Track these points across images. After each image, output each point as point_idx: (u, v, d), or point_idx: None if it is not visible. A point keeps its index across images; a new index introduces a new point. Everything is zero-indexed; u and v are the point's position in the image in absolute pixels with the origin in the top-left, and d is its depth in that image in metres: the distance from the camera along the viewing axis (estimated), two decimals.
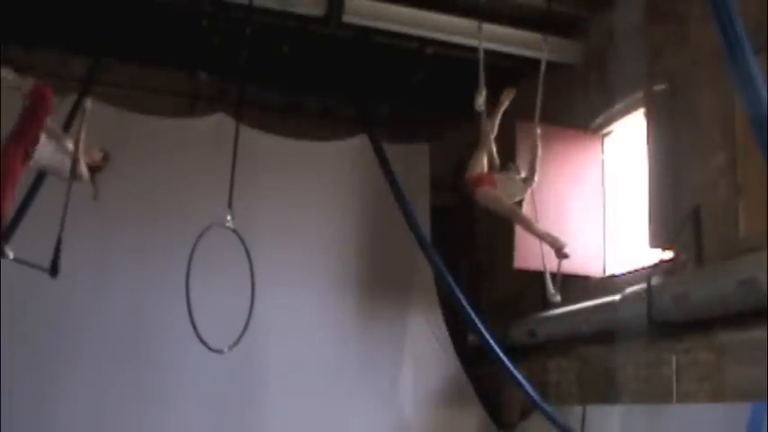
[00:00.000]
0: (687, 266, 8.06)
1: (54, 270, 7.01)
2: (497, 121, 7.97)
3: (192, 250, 7.17)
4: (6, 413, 8.77)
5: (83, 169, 6.93)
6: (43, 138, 6.64)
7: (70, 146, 6.88)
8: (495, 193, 7.62)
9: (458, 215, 12.01)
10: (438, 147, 11.97)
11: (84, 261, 9.93)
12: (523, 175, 8.02)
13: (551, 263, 7.82)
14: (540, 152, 7.87)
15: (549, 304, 8.53)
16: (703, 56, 8.00)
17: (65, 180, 7.01)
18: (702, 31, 7.77)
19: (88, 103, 7.11)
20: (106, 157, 7.29)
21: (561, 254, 7.58)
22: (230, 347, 7.32)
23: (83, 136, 6.91)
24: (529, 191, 8.07)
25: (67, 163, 6.85)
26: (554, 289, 7.75)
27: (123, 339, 9.82)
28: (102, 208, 9.98)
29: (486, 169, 7.70)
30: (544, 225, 8.00)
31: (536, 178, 7.96)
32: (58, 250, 6.97)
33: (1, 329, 8.97)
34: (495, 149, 7.88)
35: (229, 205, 7.48)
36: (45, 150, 6.70)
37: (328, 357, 10.66)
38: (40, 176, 8.42)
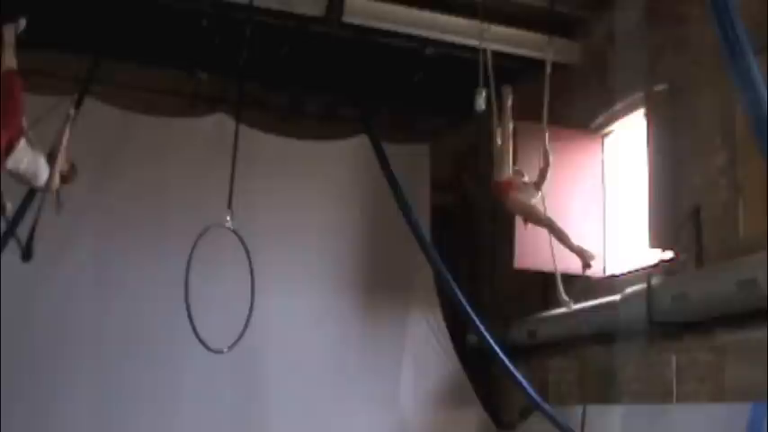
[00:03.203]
0: (687, 266, 8.06)
1: (28, 254, 7.01)
2: (510, 122, 7.86)
3: (192, 251, 7.16)
4: (6, 414, 8.76)
5: (56, 179, 6.77)
6: (23, 143, 6.56)
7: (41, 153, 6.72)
8: (526, 200, 7.58)
9: (458, 215, 12.02)
10: (438, 147, 11.97)
11: (84, 261, 9.97)
12: (527, 178, 7.95)
13: (558, 262, 7.78)
14: (551, 158, 7.78)
15: (559, 305, 8.50)
16: (703, 56, 8.00)
17: (37, 188, 6.88)
18: (702, 31, 7.77)
19: (72, 111, 7.01)
20: (74, 169, 7.06)
21: (587, 266, 7.53)
22: (230, 348, 7.32)
23: (65, 144, 6.77)
24: (539, 196, 8.00)
25: (42, 172, 6.68)
26: (566, 300, 7.69)
27: (123, 340, 9.82)
28: (102, 208, 10.05)
29: (511, 174, 7.66)
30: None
31: (544, 185, 7.87)
32: (30, 238, 6.95)
33: (2, 330, 8.96)
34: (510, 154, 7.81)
35: (229, 205, 7.47)
36: (24, 156, 6.61)
37: (328, 357, 10.66)
38: None
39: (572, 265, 8.61)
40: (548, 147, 7.80)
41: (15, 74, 6.49)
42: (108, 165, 10.17)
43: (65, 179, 6.96)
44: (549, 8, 8.79)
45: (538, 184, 7.78)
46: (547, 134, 7.84)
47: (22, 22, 6.67)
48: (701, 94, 8.12)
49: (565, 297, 7.60)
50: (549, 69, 8.05)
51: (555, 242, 7.74)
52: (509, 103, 7.87)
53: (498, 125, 7.81)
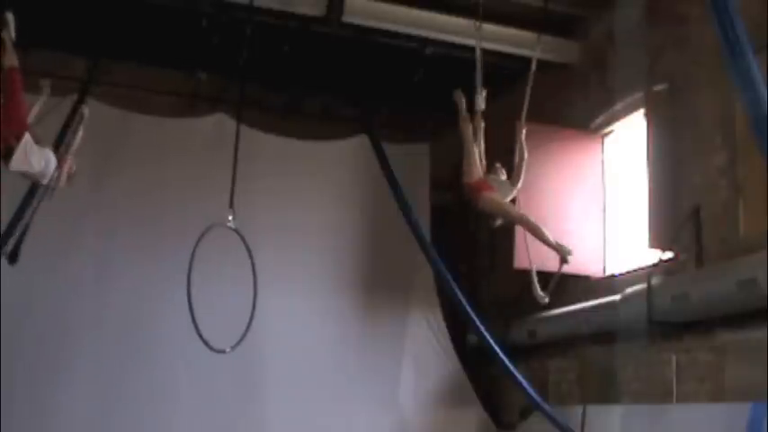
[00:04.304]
0: (687, 266, 8.06)
1: (14, 258, 7.06)
2: (467, 123, 7.80)
3: (194, 250, 7.16)
4: (6, 413, 8.77)
5: (64, 177, 6.86)
6: (27, 141, 6.62)
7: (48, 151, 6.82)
8: (499, 199, 7.53)
9: (458, 215, 12.00)
10: (438, 147, 11.97)
11: (85, 261, 9.97)
12: (504, 176, 7.86)
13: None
14: (525, 154, 7.73)
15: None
16: (703, 56, 8.00)
17: (42, 184, 6.92)
18: (702, 31, 7.77)
19: (86, 111, 7.07)
20: (75, 173, 7.14)
21: (564, 261, 7.48)
22: (233, 347, 7.31)
23: (77, 143, 6.88)
24: (515, 192, 7.92)
25: (51, 169, 6.73)
26: (542, 290, 7.65)
27: (124, 339, 9.82)
28: (103, 208, 10.06)
29: (482, 173, 7.61)
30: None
31: (521, 180, 7.80)
32: (20, 241, 6.99)
33: (2, 329, 8.96)
34: (482, 151, 7.73)
35: (230, 205, 7.47)
36: (32, 155, 6.67)
37: (329, 357, 10.66)
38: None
39: (570, 264, 8.59)
40: (523, 142, 7.71)
41: (17, 71, 6.54)
42: (108, 164, 10.17)
43: (69, 178, 7.03)
44: (544, 7, 8.74)
45: (514, 181, 7.72)
46: (524, 130, 7.75)
47: (11, 18, 6.69)
48: (701, 94, 8.12)
49: (540, 292, 7.58)
50: (533, 67, 8.00)
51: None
52: (463, 106, 7.77)
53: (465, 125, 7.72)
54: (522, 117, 7.84)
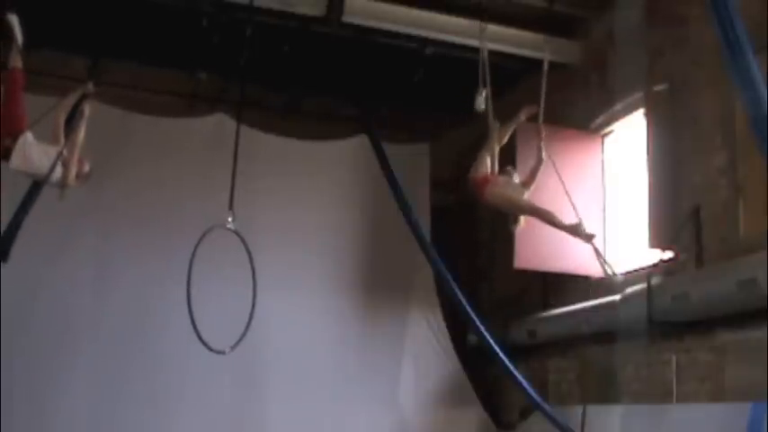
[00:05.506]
0: (687, 266, 8.06)
1: (4, 255, 7.12)
2: (508, 134, 7.84)
3: (194, 252, 7.16)
4: (6, 413, 8.77)
5: (72, 176, 6.94)
6: (31, 137, 6.67)
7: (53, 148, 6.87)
8: (505, 190, 7.49)
9: (458, 215, 12.01)
10: (438, 147, 11.98)
11: (84, 261, 9.97)
12: (517, 179, 7.85)
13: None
14: (544, 156, 7.74)
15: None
16: (703, 56, 8.01)
17: (49, 184, 7.00)
18: (702, 31, 7.77)
19: (87, 108, 7.11)
20: (89, 174, 7.26)
21: (588, 237, 7.36)
22: (232, 348, 7.31)
23: (80, 141, 6.93)
24: (525, 196, 7.92)
25: (57, 168, 6.84)
26: (610, 269, 7.49)
27: (124, 339, 9.82)
28: (102, 208, 10.05)
29: (489, 171, 7.61)
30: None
31: (534, 183, 7.80)
32: (10, 239, 7.02)
33: (2, 329, 8.96)
34: (497, 154, 7.75)
35: (230, 206, 7.47)
36: (33, 153, 6.72)
37: (328, 357, 10.67)
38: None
39: (572, 264, 8.61)
40: (542, 146, 7.74)
41: (20, 72, 6.71)
42: (108, 164, 10.10)
43: (80, 179, 7.12)
44: (549, 8, 8.77)
45: (527, 183, 7.71)
46: (543, 134, 7.79)
47: (16, 20, 6.78)
48: (701, 94, 8.12)
49: (609, 271, 7.43)
50: (545, 68, 8.03)
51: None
52: (521, 120, 7.79)
53: (496, 125, 7.73)
54: (539, 120, 7.84)
